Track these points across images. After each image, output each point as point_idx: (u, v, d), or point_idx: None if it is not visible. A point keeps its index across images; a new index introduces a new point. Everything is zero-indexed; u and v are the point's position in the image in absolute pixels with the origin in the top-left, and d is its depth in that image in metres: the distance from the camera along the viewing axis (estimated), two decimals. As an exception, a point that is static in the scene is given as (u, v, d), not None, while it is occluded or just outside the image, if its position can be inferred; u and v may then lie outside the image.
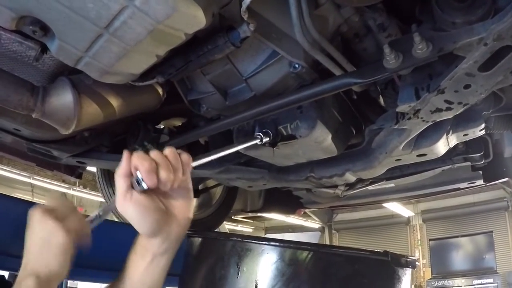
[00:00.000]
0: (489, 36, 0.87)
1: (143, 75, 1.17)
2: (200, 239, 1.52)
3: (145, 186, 0.65)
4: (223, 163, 1.73)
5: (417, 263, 1.49)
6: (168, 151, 0.69)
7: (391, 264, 1.32)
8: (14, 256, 1.64)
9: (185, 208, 0.71)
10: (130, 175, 0.65)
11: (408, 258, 1.42)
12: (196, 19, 0.89)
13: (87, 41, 0.98)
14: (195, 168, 0.76)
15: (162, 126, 1.83)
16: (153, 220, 0.67)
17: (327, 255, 1.33)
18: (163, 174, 0.65)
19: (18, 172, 9.33)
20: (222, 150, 1.10)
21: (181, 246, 1.61)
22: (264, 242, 1.29)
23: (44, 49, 1.13)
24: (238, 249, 1.30)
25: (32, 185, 10.16)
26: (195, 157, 0.78)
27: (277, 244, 1.29)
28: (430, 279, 10.50)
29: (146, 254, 0.69)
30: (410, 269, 1.44)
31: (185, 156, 0.71)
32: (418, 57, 0.97)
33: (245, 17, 0.93)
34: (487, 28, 0.89)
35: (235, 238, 1.34)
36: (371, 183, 2.06)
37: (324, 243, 11.75)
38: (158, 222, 0.68)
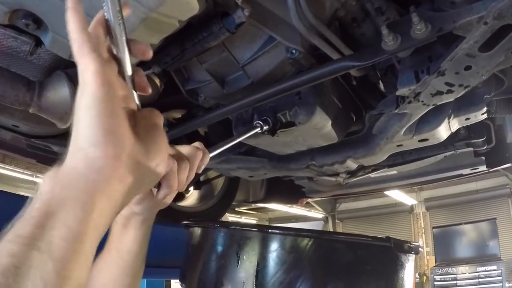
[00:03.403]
0: (489, 14, 0.86)
1: (138, 65, 1.15)
2: (200, 229, 1.51)
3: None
4: (224, 154, 1.73)
5: (420, 249, 1.48)
6: (192, 150, 0.69)
7: (394, 250, 1.31)
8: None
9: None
10: None
11: (411, 243, 1.41)
12: (189, 5, 0.88)
13: (80, 32, 0.96)
14: None
15: (161, 118, 1.82)
16: (146, 204, 0.71)
17: (328, 242, 1.32)
18: (182, 178, 0.66)
19: (21, 171, 9.38)
20: (225, 144, 1.09)
21: (181, 237, 1.62)
22: (264, 230, 1.28)
23: (38, 42, 1.12)
24: (238, 237, 1.29)
25: (35, 183, 10.20)
26: None
27: (277, 231, 1.28)
28: (434, 266, 10.53)
29: (128, 223, 0.72)
30: (414, 255, 1.43)
31: (206, 158, 0.72)
32: (417, 38, 0.96)
33: (240, 2, 0.92)
34: (487, 6, 0.87)
35: (234, 227, 1.33)
36: (373, 171, 2.05)
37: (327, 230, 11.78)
38: (149, 205, 0.72)
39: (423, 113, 1.30)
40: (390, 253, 1.32)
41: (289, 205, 10.58)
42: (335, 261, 1.26)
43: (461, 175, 2.46)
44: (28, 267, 0.38)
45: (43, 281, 0.38)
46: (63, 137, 1.66)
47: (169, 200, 0.72)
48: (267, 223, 14.21)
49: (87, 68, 0.47)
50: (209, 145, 0.89)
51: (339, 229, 13.54)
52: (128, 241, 0.73)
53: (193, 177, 0.68)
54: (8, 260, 0.37)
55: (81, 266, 0.43)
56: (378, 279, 1.32)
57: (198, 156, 0.69)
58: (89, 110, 0.46)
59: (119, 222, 0.72)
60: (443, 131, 1.45)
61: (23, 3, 0.91)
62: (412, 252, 1.41)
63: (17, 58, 1.22)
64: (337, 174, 1.94)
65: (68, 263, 0.41)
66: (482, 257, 10.16)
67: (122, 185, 0.49)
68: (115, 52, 0.53)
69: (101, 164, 0.46)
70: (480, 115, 1.43)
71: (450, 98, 1.18)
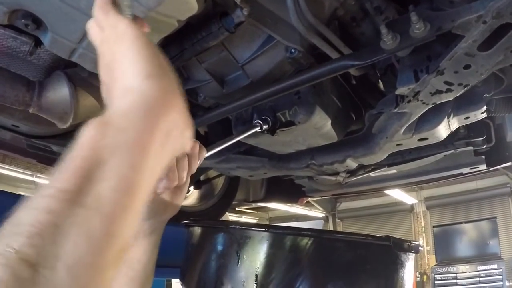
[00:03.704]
0: (488, 13, 0.86)
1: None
2: (200, 228, 1.52)
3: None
4: (223, 153, 1.73)
5: (420, 248, 1.48)
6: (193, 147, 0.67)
7: (394, 249, 1.31)
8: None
9: (180, 196, 0.72)
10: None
11: (410, 242, 1.41)
12: (188, 5, 0.88)
13: (79, 32, 0.97)
14: None
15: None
16: (154, 207, 0.70)
17: (328, 241, 1.32)
18: (182, 175, 0.65)
19: (21, 171, 9.38)
20: (224, 142, 1.09)
21: (181, 237, 1.62)
22: (263, 230, 1.28)
23: (38, 42, 1.12)
24: (238, 237, 1.29)
25: (35, 183, 10.21)
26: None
27: (277, 231, 1.28)
28: (435, 265, 10.54)
29: (137, 234, 0.71)
30: (413, 254, 1.43)
31: (203, 154, 0.71)
32: (416, 37, 0.96)
33: (238, 1, 0.92)
34: (486, 5, 0.87)
35: (234, 226, 1.33)
36: (372, 170, 2.05)
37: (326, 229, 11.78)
38: (158, 209, 0.71)
39: (422, 112, 1.30)
40: (390, 252, 1.32)
41: (289, 205, 10.60)
42: (335, 260, 1.26)
43: (461, 174, 2.45)
44: (69, 225, 0.33)
45: (87, 241, 0.33)
46: (63, 137, 1.66)
47: (178, 203, 0.71)
48: (267, 223, 14.22)
49: (119, 22, 0.48)
50: (209, 144, 0.90)
51: (340, 228, 13.54)
52: (137, 251, 0.72)
53: (193, 171, 0.68)
54: (46, 218, 0.32)
55: (130, 223, 0.37)
56: (378, 278, 1.32)
57: (196, 149, 0.68)
58: (136, 48, 0.44)
59: None
60: (443, 130, 1.45)
61: (22, 3, 0.91)
62: (412, 251, 1.41)
63: (17, 58, 1.22)
64: (337, 173, 1.94)
65: (117, 218, 0.35)
66: (482, 256, 10.17)
67: (180, 121, 0.45)
68: None
69: (161, 93, 0.42)
70: (479, 114, 1.43)
71: (449, 97, 1.18)
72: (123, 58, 0.44)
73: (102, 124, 0.39)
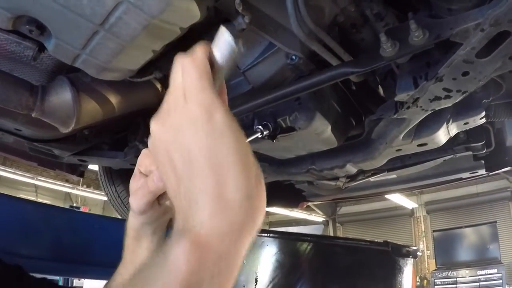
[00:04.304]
0: (486, 21, 0.87)
1: (140, 71, 1.17)
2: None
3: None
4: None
5: (419, 253, 1.49)
6: None
7: (392, 254, 1.32)
8: (22, 256, 1.66)
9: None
10: None
11: (409, 248, 1.42)
12: (190, 13, 0.89)
13: (83, 38, 0.98)
14: None
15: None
16: (155, 212, 0.69)
17: (327, 246, 1.33)
18: None
19: (22, 174, 9.41)
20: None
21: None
22: (264, 234, 1.29)
23: (42, 48, 1.14)
24: (238, 241, 1.30)
25: (36, 186, 10.23)
26: None
27: (277, 236, 1.29)
28: (435, 270, 10.52)
29: (139, 235, 0.71)
30: (412, 259, 1.44)
31: None
32: (415, 45, 0.97)
33: (240, 9, 0.93)
34: (484, 13, 0.88)
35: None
36: (372, 175, 2.05)
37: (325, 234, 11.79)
38: (158, 213, 0.70)
39: (421, 118, 1.31)
40: (389, 257, 1.33)
41: (290, 209, 10.59)
42: (334, 265, 1.27)
43: (461, 179, 2.46)
44: None
45: None
46: (65, 141, 1.67)
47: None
48: (267, 227, 14.20)
49: (214, 103, 0.41)
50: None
51: (340, 232, 13.53)
52: (141, 253, 0.71)
53: None
54: None
55: None
56: (376, 283, 1.32)
57: None
58: (236, 151, 0.40)
59: (130, 235, 0.72)
60: (442, 135, 1.46)
61: (27, 10, 0.93)
62: (410, 256, 1.42)
63: (20, 63, 1.23)
64: (337, 178, 1.94)
65: None
66: (482, 260, 10.16)
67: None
68: None
69: (258, 213, 0.41)
70: (478, 120, 1.44)
71: (448, 103, 1.19)
72: (219, 159, 0.40)
73: (199, 246, 0.38)
